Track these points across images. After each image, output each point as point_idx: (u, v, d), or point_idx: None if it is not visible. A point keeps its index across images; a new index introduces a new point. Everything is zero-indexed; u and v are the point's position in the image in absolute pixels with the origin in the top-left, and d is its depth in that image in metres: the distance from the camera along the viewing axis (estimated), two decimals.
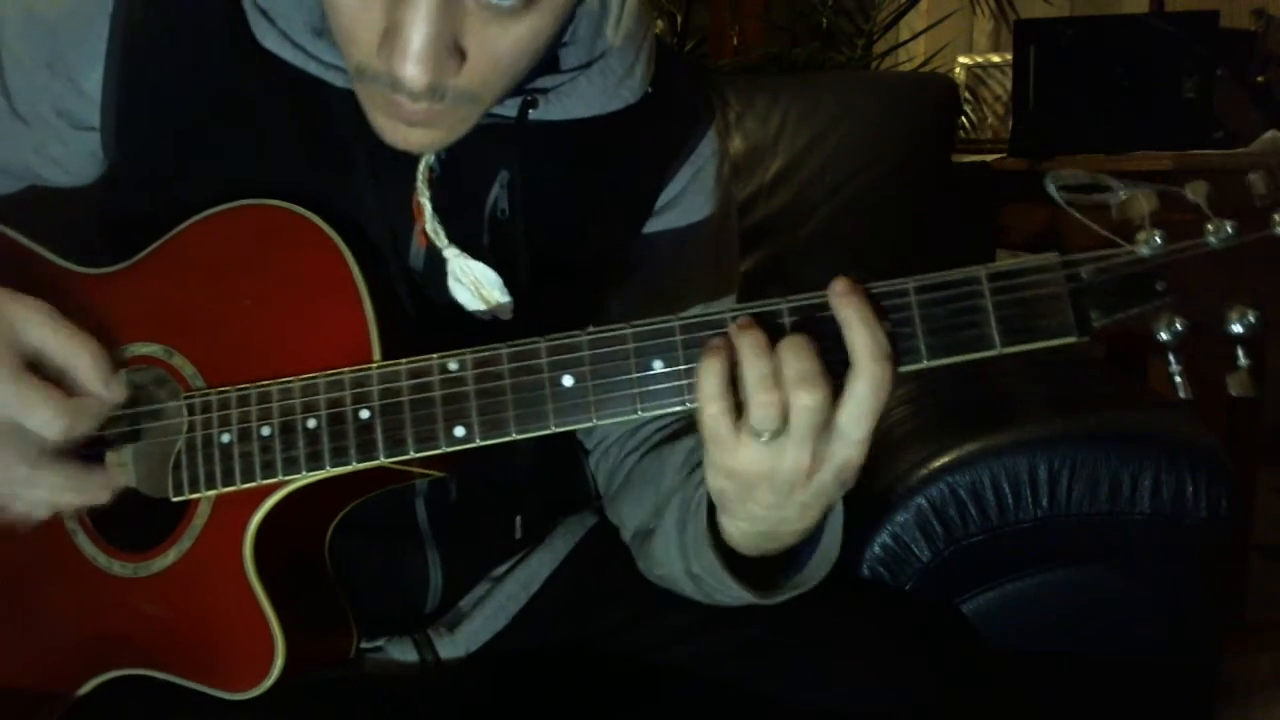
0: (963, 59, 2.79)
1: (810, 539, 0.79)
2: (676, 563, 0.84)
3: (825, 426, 0.66)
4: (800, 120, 1.75)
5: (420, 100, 0.69)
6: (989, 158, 2.30)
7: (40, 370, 0.73)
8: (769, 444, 0.67)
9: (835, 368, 0.66)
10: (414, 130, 0.73)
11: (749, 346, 0.66)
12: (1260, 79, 2.20)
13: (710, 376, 0.66)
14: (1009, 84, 2.46)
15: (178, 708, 0.78)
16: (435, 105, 0.70)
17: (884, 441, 1.24)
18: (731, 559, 0.79)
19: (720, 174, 0.94)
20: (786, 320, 0.68)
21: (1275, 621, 2.04)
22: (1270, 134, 2.05)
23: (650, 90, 0.86)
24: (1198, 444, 1.09)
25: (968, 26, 3.11)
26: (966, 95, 2.66)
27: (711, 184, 0.93)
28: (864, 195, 1.71)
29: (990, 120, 2.59)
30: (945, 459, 1.10)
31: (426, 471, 0.78)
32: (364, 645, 0.88)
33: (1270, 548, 2.23)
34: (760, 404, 0.65)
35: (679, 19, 2.40)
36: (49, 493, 0.75)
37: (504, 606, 0.94)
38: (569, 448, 1.01)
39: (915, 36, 2.70)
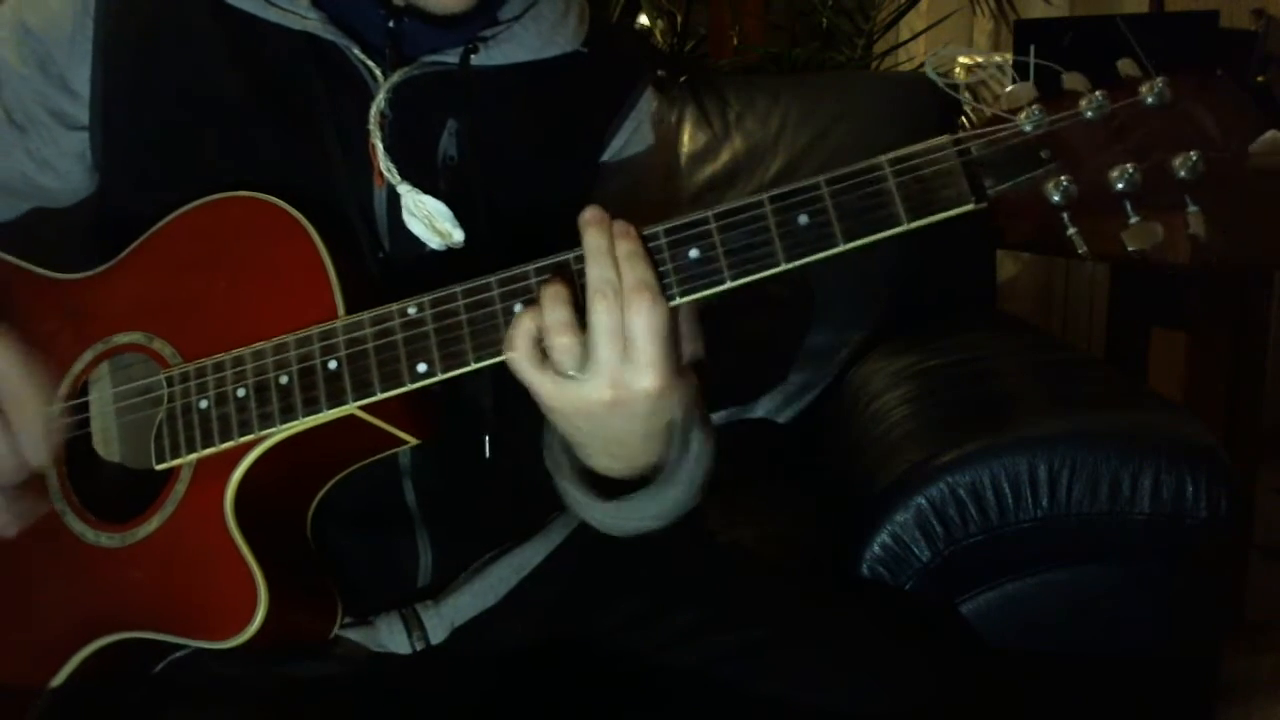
0: (963, 59, 2.79)
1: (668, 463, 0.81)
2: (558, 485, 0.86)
3: (619, 357, 0.72)
4: (800, 120, 1.75)
5: None
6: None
7: None
8: (573, 378, 0.73)
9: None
10: None
11: (548, 295, 0.73)
12: (1260, 79, 2.20)
13: (524, 322, 0.73)
14: (1009, 84, 2.46)
15: (176, 697, 0.79)
16: None
17: (884, 441, 1.24)
18: (590, 483, 0.82)
19: (660, 127, 1.02)
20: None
21: (1275, 621, 2.03)
22: (1270, 134, 2.05)
23: (585, 50, 0.95)
24: (1198, 444, 1.09)
25: (968, 26, 3.10)
26: (966, 95, 2.65)
27: (651, 134, 1.00)
28: None
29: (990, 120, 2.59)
30: (945, 459, 1.10)
31: (395, 432, 0.81)
32: (351, 620, 0.88)
33: (1270, 548, 2.23)
34: (556, 344, 0.72)
35: (679, 19, 2.40)
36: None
37: (493, 586, 0.94)
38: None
39: (915, 36, 2.69)
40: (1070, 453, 1.07)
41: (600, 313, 0.71)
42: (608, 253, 0.72)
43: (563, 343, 0.72)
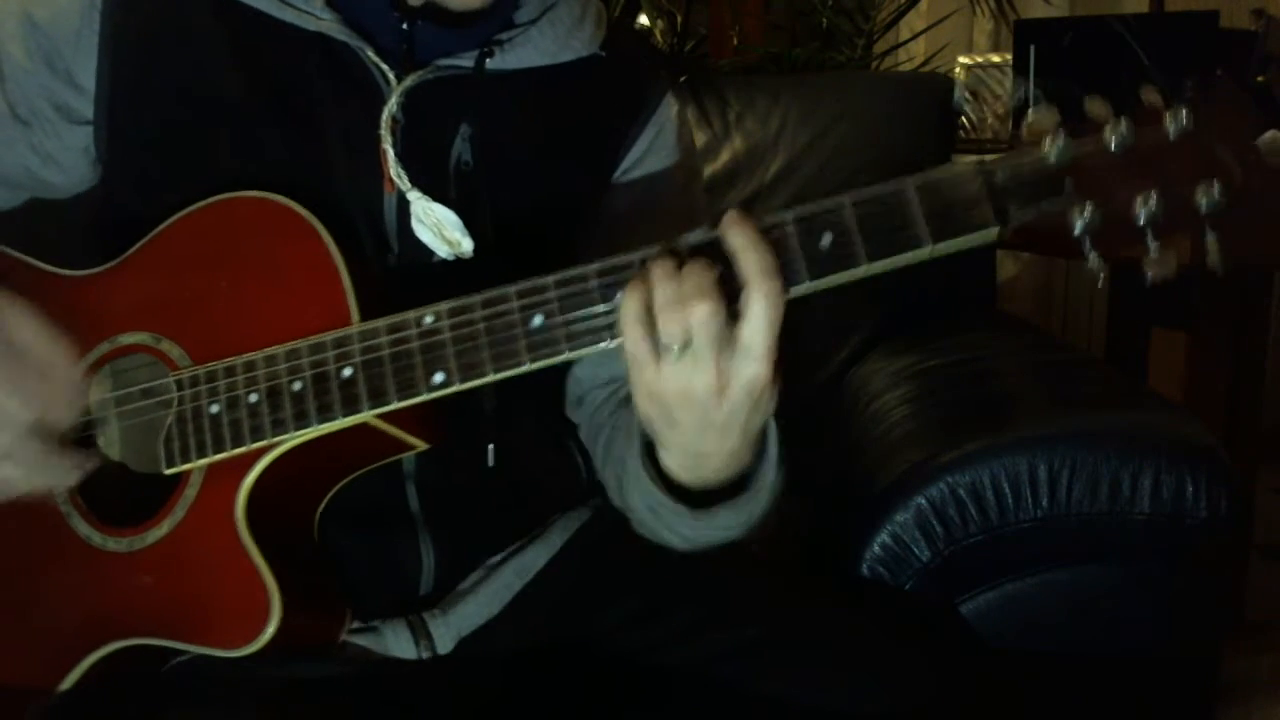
0: (963, 59, 2.78)
1: (751, 472, 0.81)
2: (638, 499, 0.85)
3: (727, 342, 0.69)
4: (800, 120, 1.75)
5: None
6: (989, 158, 2.29)
7: (23, 365, 0.77)
8: (679, 360, 0.70)
9: (733, 292, 0.69)
10: None
11: (658, 274, 0.70)
12: (1260, 79, 2.20)
13: (630, 304, 0.70)
14: (1009, 84, 2.46)
15: (178, 698, 0.79)
16: None
17: (884, 441, 1.24)
18: (678, 495, 0.81)
19: (681, 134, 1.00)
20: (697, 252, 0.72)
21: (1275, 621, 2.03)
22: (1270, 134, 2.04)
23: (603, 54, 0.92)
24: (1198, 444, 1.09)
25: (968, 26, 3.10)
26: (966, 95, 2.66)
27: (674, 141, 0.98)
28: None
29: (990, 120, 2.59)
30: (945, 459, 1.10)
31: (406, 438, 0.80)
32: (358, 626, 0.88)
33: (1270, 548, 2.23)
34: (664, 320, 0.69)
35: (679, 19, 2.40)
36: (19, 471, 0.78)
37: (498, 593, 0.94)
38: (535, 391, 1.00)
39: (915, 36, 2.69)
40: (1070, 453, 1.07)
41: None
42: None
43: (669, 316, 0.69)
